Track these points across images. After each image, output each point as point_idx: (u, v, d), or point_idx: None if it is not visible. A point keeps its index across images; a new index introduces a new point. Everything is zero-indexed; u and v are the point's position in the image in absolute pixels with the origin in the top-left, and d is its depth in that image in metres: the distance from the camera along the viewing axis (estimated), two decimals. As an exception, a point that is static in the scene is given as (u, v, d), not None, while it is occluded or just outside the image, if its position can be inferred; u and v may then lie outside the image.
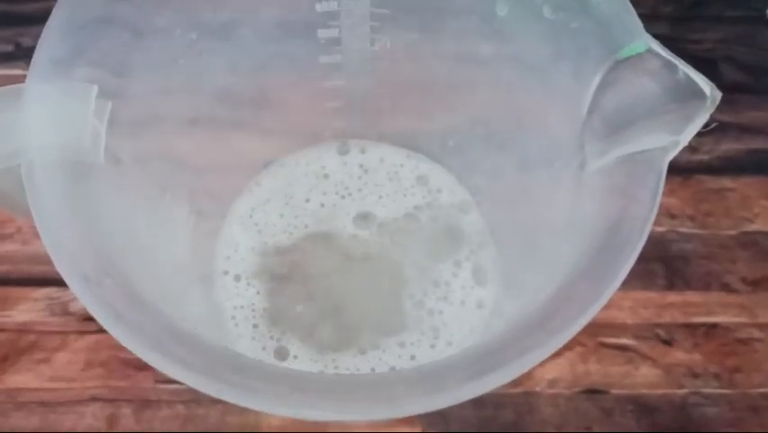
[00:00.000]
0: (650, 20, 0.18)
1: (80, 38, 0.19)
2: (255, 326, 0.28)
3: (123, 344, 0.16)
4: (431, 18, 0.24)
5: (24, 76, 0.18)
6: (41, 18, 0.19)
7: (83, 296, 0.16)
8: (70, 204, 0.17)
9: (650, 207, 0.17)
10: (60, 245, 0.17)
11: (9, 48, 0.35)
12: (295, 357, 0.27)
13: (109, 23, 0.20)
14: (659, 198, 0.17)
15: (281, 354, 0.27)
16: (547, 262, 0.21)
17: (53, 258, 0.17)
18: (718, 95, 0.17)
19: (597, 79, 0.18)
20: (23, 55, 0.35)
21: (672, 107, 0.17)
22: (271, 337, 0.28)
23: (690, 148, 0.33)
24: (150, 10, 0.21)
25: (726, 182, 0.33)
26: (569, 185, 0.20)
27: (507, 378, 0.15)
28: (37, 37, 0.19)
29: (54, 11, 0.19)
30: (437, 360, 0.16)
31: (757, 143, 0.33)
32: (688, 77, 0.17)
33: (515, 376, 0.15)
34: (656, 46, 0.18)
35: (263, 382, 0.15)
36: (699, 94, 0.17)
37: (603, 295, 0.16)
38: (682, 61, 0.17)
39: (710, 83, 0.17)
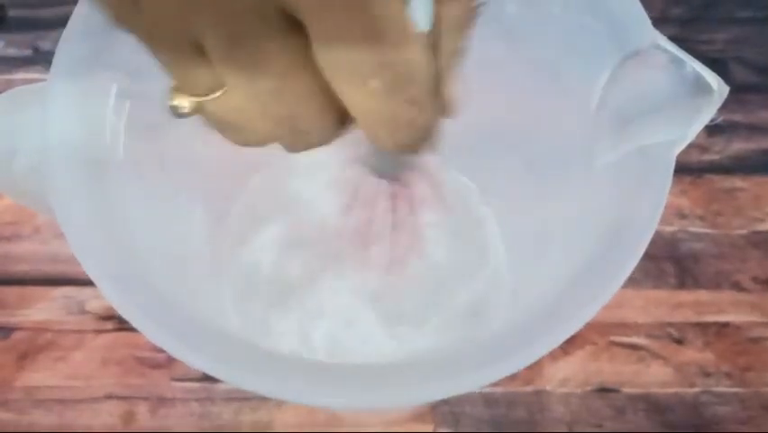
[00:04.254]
0: (659, 22, 0.19)
1: (99, 41, 0.19)
2: (268, 323, 0.28)
3: (151, 339, 0.16)
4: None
5: (43, 80, 0.19)
6: (59, 23, 0.19)
7: (108, 292, 0.16)
8: (92, 202, 0.18)
9: (659, 197, 0.17)
10: (84, 243, 0.17)
11: (28, 52, 0.36)
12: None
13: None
14: (668, 189, 0.17)
15: (297, 352, 0.28)
16: (557, 256, 0.21)
17: (77, 255, 0.17)
18: (726, 89, 0.17)
19: (606, 75, 0.19)
20: (42, 59, 0.36)
21: (680, 102, 0.17)
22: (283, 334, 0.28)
23: (701, 148, 0.33)
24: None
25: (737, 182, 0.33)
26: (578, 181, 0.20)
27: (516, 366, 0.15)
28: (55, 41, 0.19)
29: (74, 13, 0.19)
30: (450, 347, 0.16)
31: (768, 143, 0.33)
32: (695, 71, 0.17)
33: (525, 365, 0.15)
34: (664, 42, 0.18)
35: (287, 372, 0.16)
36: (706, 88, 0.17)
37: (614, 284, 0.16)
38: (690, 57, 0.17)
39: (718, 77, 0.17)
